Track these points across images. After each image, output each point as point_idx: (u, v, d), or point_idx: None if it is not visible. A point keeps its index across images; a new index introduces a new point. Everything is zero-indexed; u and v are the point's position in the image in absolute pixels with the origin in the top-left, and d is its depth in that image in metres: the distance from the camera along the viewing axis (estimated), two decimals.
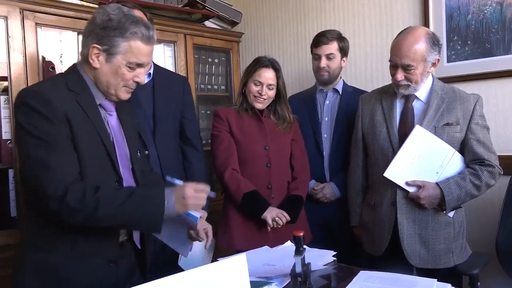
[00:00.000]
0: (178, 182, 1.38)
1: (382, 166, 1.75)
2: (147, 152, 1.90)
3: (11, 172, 2.07)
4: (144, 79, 1.34)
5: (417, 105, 1.79)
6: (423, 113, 1.76)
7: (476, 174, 1.70)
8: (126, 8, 1.29)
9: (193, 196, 1.27)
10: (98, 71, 1.27)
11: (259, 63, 1.99)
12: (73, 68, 1.33)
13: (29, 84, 2.07)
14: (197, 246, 1.57)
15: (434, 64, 1.74)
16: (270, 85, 1.97)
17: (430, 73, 1.78)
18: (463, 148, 1.75)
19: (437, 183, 1.70)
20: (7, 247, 2.01)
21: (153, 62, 2.07)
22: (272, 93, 2.00)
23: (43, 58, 2.16)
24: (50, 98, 1.19)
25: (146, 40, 1.27)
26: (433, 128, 1.72)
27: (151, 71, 2.03)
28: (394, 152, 1.73)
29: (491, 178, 1.72)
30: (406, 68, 1.69)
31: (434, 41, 1.70)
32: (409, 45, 1.68)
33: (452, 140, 1.72)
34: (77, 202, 1.16)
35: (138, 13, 1.92)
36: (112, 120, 1.34)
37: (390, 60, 1.75)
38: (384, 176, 1.71)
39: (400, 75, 1.71)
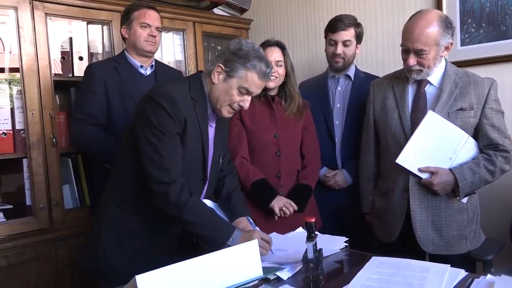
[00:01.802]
0: (253, 225, 1.58)
1: (394, 153, 1.73)
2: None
3: (25, 162, 2.09)
4: (248, 106, 1.54)
5: (429, 90, 1.76)
6: (436, 98, 1.73)
7: (490, 160, 1.68)
8: (258, 46, 1.52)
9: (259, 243, 1.41)
10: (214, 86, 1.50)
11: (265, 44, 2.01)
12: (198, 75, 1.56)
13: (40, 75, 2.09)
14: None
15: (447, 48, 1.70)
16: (278, 61, 1.98)
17: (443, 57, 1.74)
18: (477, 133, 1.72)
19: (450, 169, 1.68)
20: (23, 234, 2.05)
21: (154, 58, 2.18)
22: (281, 70, 2.00)
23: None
24: (176, 100, 1.42)
25: (261, 75, 1.48)
26: (446, 114, 1.69)
27: (153, 63, 2.17)
28: (407, 138, 1.71)
29: (506, 164, 1.69)
30: (418, 53, 1.66)
31: (447, 25, 1.67)
32: (421, 29, 1.64)
33: (465, 125, 1.70)
34: (174, 196, 1.41)
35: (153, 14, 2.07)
36: (210, 131, 1.57)
37: (402, 45, 1.72)
38: (396, 163, 1.70)
39: (412, 60, 1.68)
